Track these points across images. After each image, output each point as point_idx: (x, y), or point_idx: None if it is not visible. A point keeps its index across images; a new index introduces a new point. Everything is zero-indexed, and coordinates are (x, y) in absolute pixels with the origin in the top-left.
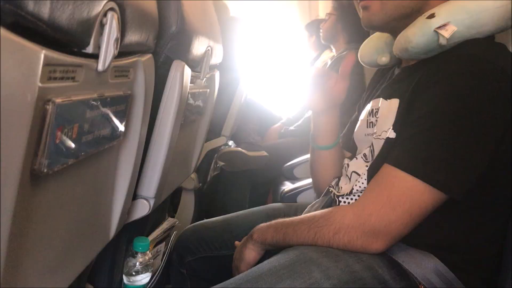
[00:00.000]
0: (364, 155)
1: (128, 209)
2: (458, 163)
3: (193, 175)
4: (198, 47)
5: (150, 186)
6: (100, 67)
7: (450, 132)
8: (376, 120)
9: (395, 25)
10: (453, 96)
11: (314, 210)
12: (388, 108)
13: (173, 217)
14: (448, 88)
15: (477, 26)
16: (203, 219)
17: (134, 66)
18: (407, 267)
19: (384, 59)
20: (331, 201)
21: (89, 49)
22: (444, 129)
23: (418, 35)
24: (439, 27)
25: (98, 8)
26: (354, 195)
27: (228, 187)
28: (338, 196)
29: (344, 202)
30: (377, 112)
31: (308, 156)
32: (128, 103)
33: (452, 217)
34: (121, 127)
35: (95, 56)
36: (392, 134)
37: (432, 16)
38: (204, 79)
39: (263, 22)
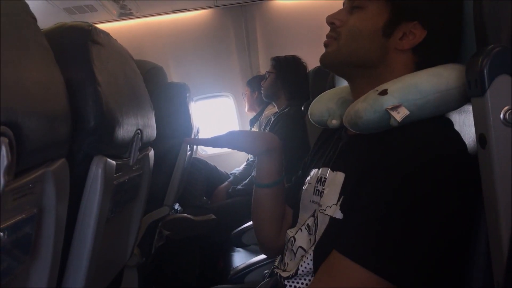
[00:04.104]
0: (308, 226)
1: None
2: (411, 255)
3: (135, 250)
4: (124, 135)
5: None
6: None
7: (402, 223)
8: (323, 190)
9: (349, 72)
10: (400, 186)
11: None
12: (333, 181)
13: None
14: (397, 177)
15: (429, 107)
16: None
17: (40, 179)
18: None
19: (335, 122)
20: (277, 284)
21: None
22: (395, 219)
23: (369, 111)
24: (392, 108)
25: None
26: (300, 278)
27: (176, 256)
28: (284, 279)
29: (290, 286)
30: (324, 181)
31: None
32: (34, 222)
33: None
34: (26, 252)
35: None
36: (338, 215)
37: (384, 92)
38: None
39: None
